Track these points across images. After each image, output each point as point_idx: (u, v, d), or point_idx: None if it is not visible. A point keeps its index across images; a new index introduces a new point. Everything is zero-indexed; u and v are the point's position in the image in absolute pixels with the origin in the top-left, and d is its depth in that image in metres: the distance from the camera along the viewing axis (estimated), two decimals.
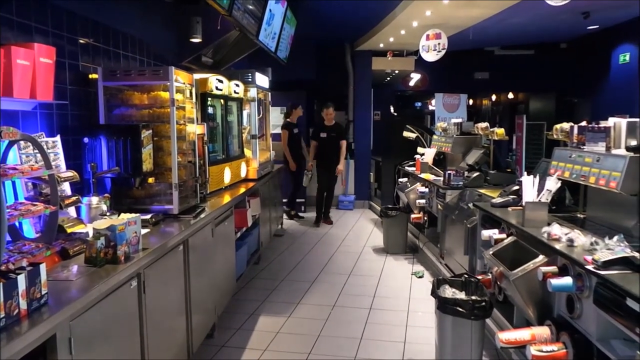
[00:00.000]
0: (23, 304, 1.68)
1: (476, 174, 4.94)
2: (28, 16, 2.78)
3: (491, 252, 3.22)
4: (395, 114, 13.35)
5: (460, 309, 2.89)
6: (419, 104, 15.77)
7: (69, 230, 2.55)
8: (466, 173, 5.05)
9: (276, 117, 8.75)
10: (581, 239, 2.57)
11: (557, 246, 2.60)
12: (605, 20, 8.45)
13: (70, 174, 2.59)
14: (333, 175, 7.92)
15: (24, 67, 2.42)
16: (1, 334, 1.54)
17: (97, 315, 2.02)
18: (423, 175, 5.87)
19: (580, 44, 10.36)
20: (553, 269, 2.58)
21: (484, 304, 2.89)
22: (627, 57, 8.80)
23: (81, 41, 3.33)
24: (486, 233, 3.52)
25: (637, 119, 2.76)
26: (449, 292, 3.16)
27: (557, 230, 2.73)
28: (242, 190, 4.78)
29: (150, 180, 3.36)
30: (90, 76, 3.41)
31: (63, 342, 1.76)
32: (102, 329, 2.08)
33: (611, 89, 9.32)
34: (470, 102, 13.48)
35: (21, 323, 1.64)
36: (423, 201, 5.82)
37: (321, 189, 7.95)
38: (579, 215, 3.35)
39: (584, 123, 3.20)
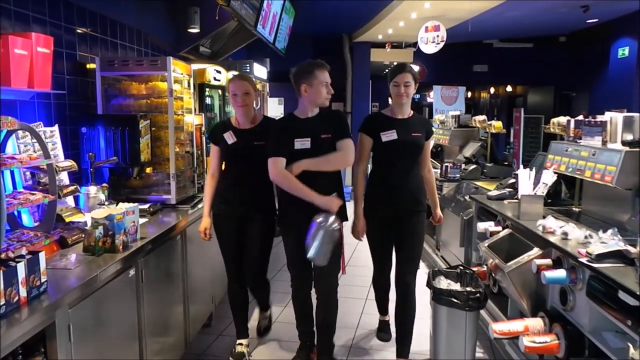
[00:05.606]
0: (23, 292, 1.70)
1: (473, 166, 4.96)
2: (26, 6, 2.77)
3: (487, 245, 3.25)
4: None
5: (455, 300, 2.92)
6: (417, 95, 15.79)
7: (67, 220, 2.57)
8: (463, 165, 5.06)
9: (274, 108, 8.73)
10: (575, 232, 2.59)
11: (552, 239, 2.62)
12: (604, 13, 8.44)
13: (68, 163, 2.60)
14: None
15: (22, 56, 2.41)
16: (1, 321, 1.56)
17: (96, 303, 2.04)
18: None
19: (579, 37, 10.36)
20: (547, 261, 2.60)
21: (478, 295, 2.92)
22: (626, 52, 8.80)
23: (79, 31, 3.32)
24: (482, 225, 3.54)
25: (633, 114, 2.78)
26: (444, 283, 3.18)
27: (552, 223, 2.75)
28: None
29: (148, 170, 3.37)
30: (88, 66, 3.40)
31: (62, 329, 1.79)
32: (101, 317, 2.10)
33: (609, 82, 9.33)
34: (469, 94, 13.50)
35: (21, 310, 1.66)
36: None
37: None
38: (574, 208, 3.38)
39: (580, 117, 3.21)
